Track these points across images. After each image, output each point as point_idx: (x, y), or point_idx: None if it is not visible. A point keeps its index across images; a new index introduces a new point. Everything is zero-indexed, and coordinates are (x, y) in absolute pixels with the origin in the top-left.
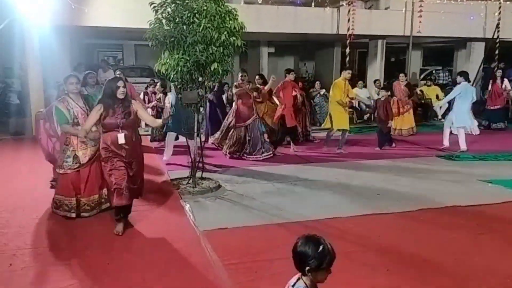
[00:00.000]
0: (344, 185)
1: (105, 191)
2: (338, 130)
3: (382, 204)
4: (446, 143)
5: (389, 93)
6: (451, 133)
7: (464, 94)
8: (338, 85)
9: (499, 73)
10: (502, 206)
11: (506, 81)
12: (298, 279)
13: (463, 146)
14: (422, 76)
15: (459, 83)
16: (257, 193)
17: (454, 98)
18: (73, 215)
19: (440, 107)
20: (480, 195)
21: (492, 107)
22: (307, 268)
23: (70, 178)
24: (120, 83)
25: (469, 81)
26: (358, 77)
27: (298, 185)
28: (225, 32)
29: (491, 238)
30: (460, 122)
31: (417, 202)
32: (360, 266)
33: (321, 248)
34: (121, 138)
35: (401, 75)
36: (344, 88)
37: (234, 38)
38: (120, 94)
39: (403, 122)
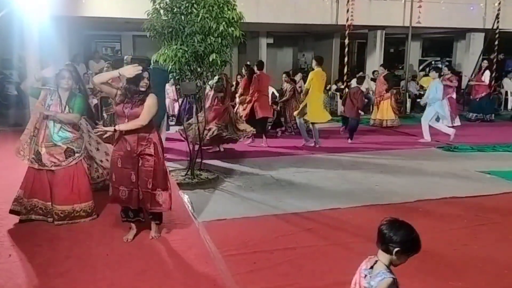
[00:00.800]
0: (342, 176)
1: (80, 206)
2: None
3: (381, 195)
4: (428, 137)
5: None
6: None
7: (439, 90)
8: (321, 75)
9: (484, 63)
10: (500, 197)
11: (487, 72)
12: (375, 262)
13: (453, 135)
14: (421, 67)
15: (434, 79)
16: (256, 185)
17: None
18: (51, 219)
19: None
20: (478, 186)
21: (475, 97)
22: (397, 249)
23: (33, 176)
24: (145, 74)
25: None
26: (358, 68)
27: (297, 177)
28: (224, 23)
29: (490, 229)
30: (445, 116)
31: (416, 193)
32: (359, 256)
33: (415, 234)
34: (119, 126)
35: (380, 67)
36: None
37: (232, 28)
38: (142, 85)
39: (381, 113)
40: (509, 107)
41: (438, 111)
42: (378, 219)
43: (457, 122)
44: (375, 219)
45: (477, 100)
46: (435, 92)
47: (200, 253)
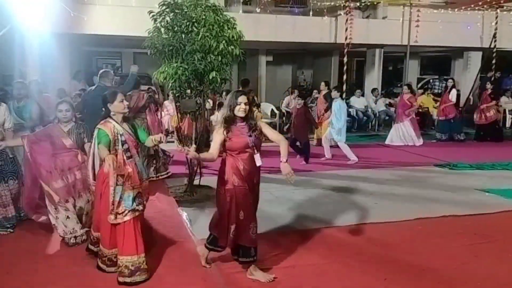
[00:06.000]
0: (341, 194)
1: None
2: None
3: (380, 213)
4: (328, 155)
5: (303, 101)
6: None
7: (343, 109)
8: None
9: (450, 82)
10: (499, 215)
11: (453, 91)
12: None
13: (353, 157)
14: (419, 85)
15: (334, 98)
16: None
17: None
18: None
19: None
20: (477, 204)
21: (443, 117)
22: None
23: None
24: (242, 99)
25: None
26: (356, 86)
27: (296, 194)
28: (224, 41)
29: (489, 247)
30: (343, 137)
31: (415, 211)
32: (358, 275)
33: None
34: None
35: (322, 83)
36: None
37: (232, 47)
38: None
39: (322, 132)
40: (507, 125)
41: (344, 133)
42: (377, 237)
43: (420, 141)
44: (375, 238)
45: (447, 119)
46: (334, 112)
47: (198, 271)
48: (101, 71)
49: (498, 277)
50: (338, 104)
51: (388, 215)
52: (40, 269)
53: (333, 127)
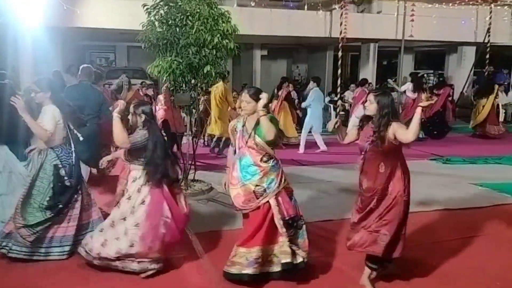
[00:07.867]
0: (337, 188)
1: None
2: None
3: None
4: (302, 150)
5: (205, 96)
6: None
7: (318, 99)
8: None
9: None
10: (492, 209)
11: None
12: None
13: (323, 147)
14: None
15: (312, 88)
16: None
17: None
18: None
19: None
20: (470, 198)
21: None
22: None
23: None
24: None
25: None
26: (351, 80)
27: (295, 187)
28: (218, 35)
29: (482, 241)
30: (319, 126)
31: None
32: (352, 267)
33: None
34: None
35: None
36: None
37: (227, 40)
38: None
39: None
40: (500, 119)
41: (320, 123)
42: None
43: None
44: None
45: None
46: (311, 99)
47: (193, 265)
48: (81, 66)
49: (491, 270)
50: (318, 93)
51: None
52: None
53: (311, 116)
